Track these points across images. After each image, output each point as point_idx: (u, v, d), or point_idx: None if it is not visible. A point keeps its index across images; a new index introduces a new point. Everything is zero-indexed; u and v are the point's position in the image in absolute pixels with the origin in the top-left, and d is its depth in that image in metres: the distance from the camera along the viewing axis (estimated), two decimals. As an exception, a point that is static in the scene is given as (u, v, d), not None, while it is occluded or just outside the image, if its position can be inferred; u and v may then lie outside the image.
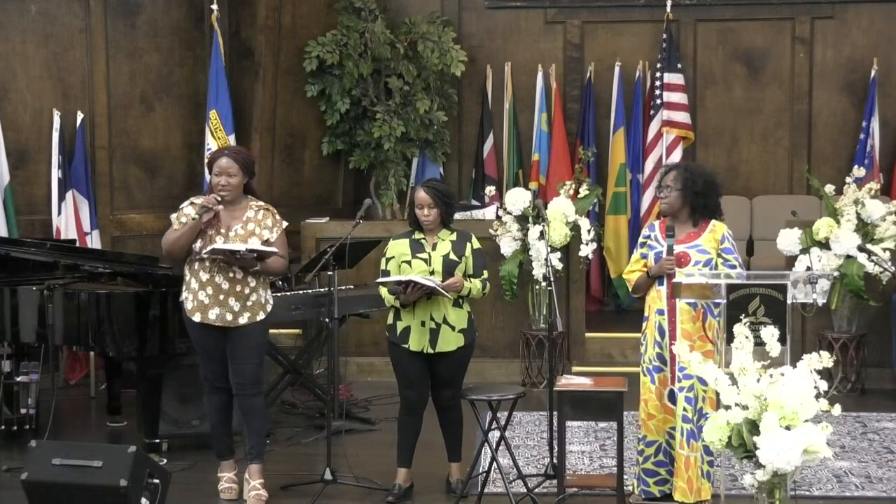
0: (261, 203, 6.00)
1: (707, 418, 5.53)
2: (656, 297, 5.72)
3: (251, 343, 5.91)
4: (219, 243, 5.76)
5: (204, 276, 5.82)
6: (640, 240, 5.88)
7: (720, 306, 5.57)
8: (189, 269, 5.89)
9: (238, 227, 5.85)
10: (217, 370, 5.95)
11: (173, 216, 5.95)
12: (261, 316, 5.91)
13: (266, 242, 5.85)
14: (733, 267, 5.63)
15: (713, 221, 5.72)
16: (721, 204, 5.80)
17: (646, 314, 5.80)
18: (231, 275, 5.82)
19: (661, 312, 5.69)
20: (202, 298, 5.82)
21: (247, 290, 5.85)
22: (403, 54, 9.87)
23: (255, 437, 5.98)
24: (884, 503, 5.93)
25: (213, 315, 5.81)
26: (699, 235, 5.68)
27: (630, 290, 5.93)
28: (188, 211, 5.87)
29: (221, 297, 5.81)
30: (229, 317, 5.82)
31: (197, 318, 5.83)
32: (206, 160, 6.01)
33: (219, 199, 5.79)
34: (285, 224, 6.01)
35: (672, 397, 5.65)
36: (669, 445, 5.71)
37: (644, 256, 5.78)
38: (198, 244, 5.81)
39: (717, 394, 5.53)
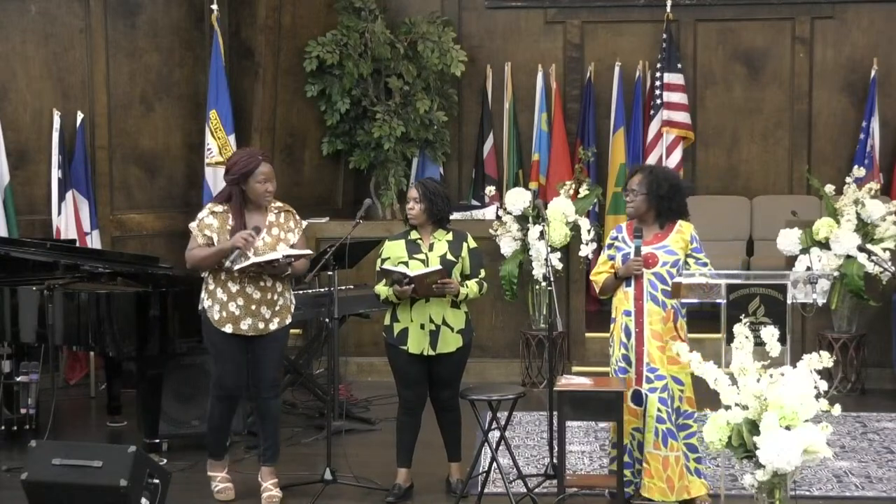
0: (278, 204, 5.93)
1: (686, 417, 5.62)
2: (623, 299, 5.77)
3: (278, 348, 5.92)
4: (252, 257, 5.66)
5: (234, 287, 5.74)
6: (608, 241, 5.94)
7: (687, 307, 5.67)
8: (214, 279, 5.78)
9: (264, 236, 5.78)
10: (236, 376, 5.87)
11: (193, 226, 5.80)
12: (288, 319, 5.91)
13: (291, 245, 5.82)
14: (705, 265, 5.70)
15: (680, 222, 5.78)
16: (687, 205, 5.85)
17: (613, 316, 5.86)
18: (262, 284, 5.77)
19: (627, 314, 5.75)
20: (233, 310, 5.75)
21: (275, 297, 5.83)
22: (403, 54, 9.87)
23: (271, 439, 5.97)
24: (884, 503, 5.93)
25: (245, 325, 5.76)
26: (666, 236, 5.74)
27: (597, 291, 5.98)
28: (209, 221, 5.75)
29: (253, 307, 5.77)
30: (261, 325, 5.80)
31: (228, 329, 5.75)
32: (225, 163, 5.79)
33: (255, 234, 5.66)
34: (305, 223, 6.02)
35: (636, 398, 5.69)
36: (633, 447, 5.74)
37: (611, 258, 5.84)
38: (230, 258, 5.68)
39: (696, 392, 5.60)
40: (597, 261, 9.59)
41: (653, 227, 5.76)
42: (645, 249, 5.69)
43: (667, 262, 5.68)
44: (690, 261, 5.71)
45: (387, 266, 5.80)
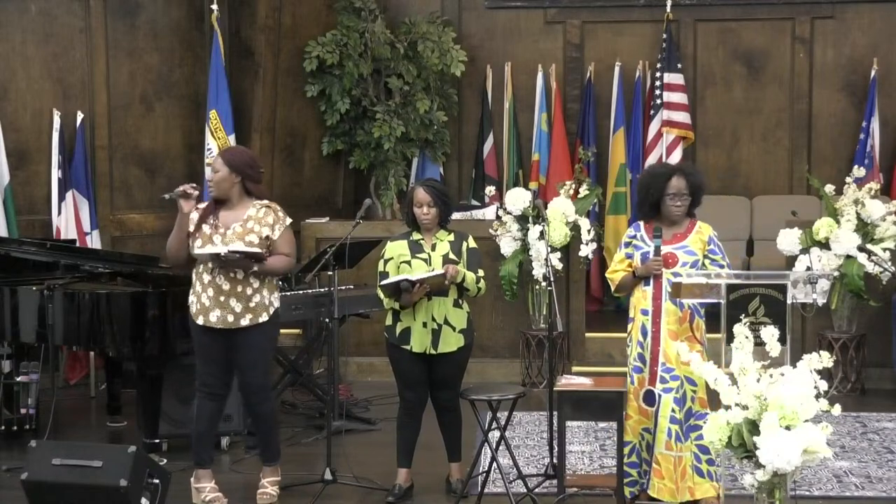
0: (264, 201, 5.85)
1: (698, 418, 5.58)
2: (641, 298, 5.73)
3: (255, 351, 5.77)
4: (216, 245, 5.64)
5: (206, 278, 5.72)
6: (625, 240, 5.89)
7: (706, 307, 5.61)
8: (195, 272, 5.80)
9: (236, 226, 5.72)
10: (217, 375, 5.82)
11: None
12: (263, 318, 5.75)
13: (267, 239, 5.72)
14: (721, 266, 5.65)
15: (698, 223, 5.77)
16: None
17: (630, 315, 5.82)
18: (232, 275, 5.70)
19: (645, 313, 5.70)
20: (204, 301, 5.71)
21: (249, 291, 5.73)
22: (403, 54, 9.88)
23: (265, 441, 5.95)
24: (884, 503, 5.93)
25: (213, 317, 5.70)
26: (686, 237, 5.71)
27: (613, 289, 5.95)
28: (193, 216, 5.76)
29: (222, 298, 5.70)
30: (230, 318, 5.70)
31: (200, 320, 5.72)
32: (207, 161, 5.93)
33: (195, 185, 5.77)
34: (289, 221, 5.87)
35: (649, 398, 5.66)
36: (641, 447, 5.72)
37: (629, 256, 5.79)
38: (197, 245, 5.71)
39: (709, 393, 5.57)
40: (597, 260, 9.61)
41: (674, 227, 5.73)
42: (665, 249, 5.65)
43: (686, 262, 5.64)
44: (706, 261, 5.67)
45: (386, 281, 5.75)
